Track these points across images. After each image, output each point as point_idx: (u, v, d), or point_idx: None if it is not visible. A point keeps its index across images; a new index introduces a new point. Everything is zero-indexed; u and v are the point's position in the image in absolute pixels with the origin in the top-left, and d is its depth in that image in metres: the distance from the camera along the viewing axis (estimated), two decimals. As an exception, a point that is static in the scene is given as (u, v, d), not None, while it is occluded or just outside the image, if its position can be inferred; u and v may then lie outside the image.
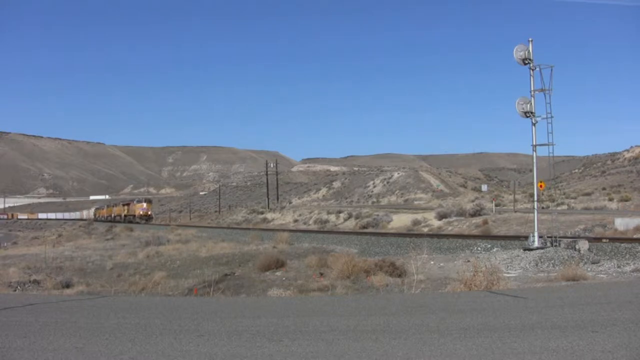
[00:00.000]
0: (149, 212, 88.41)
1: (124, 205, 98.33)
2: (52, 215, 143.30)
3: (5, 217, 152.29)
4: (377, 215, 46.99)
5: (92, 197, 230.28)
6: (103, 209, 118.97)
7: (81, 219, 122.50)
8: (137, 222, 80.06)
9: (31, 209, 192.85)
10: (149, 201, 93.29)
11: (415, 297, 10.36)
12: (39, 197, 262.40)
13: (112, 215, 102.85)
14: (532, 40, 17.87)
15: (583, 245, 16.81)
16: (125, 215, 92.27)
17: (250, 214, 76.20)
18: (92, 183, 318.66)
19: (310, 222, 57.06)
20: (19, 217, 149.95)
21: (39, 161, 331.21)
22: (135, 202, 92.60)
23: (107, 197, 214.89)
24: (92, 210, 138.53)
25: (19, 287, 16.86)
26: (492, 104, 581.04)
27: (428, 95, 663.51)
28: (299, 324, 7.10)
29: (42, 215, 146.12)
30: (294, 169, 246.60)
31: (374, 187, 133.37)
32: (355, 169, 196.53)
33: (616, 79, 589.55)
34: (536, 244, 17.46)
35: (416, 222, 40.62)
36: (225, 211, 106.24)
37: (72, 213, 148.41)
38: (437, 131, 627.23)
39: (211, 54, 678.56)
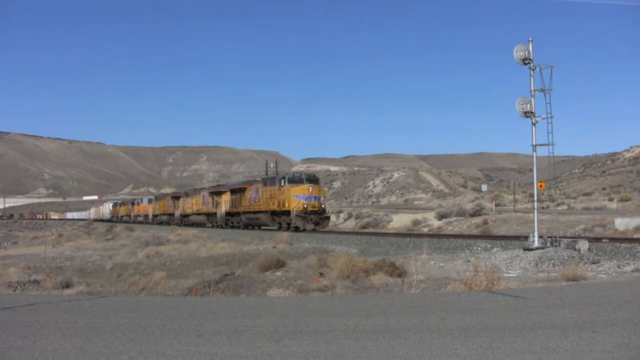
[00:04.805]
0: (323, 205, 37.74)
1: (215, 194, 50.49)
2: (75, 215, 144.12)
3: (41, 216, 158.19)
4: (377, 215, 47.09)
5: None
6: (139, 204, 79.96)
7: (108, 220, 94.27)
8: (296, 229, 35.43)
9: (31, 208, 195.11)
10: (315, 181, 38.83)
11: (415, 297, 10.35)
12: (39, 197, 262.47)
13: (180, 212, 60.69)
14: (532, 40, 17.86)
15: (583, 245, 16.80)
16: (231, 213, 46.21)
17: (250, 214, 76.10)
18: (92, 183, 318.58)
19: (310, 222, 57.00)
20: (52, 217, 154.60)
21: (39, 161, 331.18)
22: (285, 181, 37.62)
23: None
24: (106, 207, 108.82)
25: (18, 287, 16.83)
26: (492, 104, 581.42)
27: (428, 95, 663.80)
28: (299, 324, 7.09)
29: (69, 215, 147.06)
30: (294, 169, 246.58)
31: (374, 187, 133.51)
32: (355, 169, 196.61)
33: (616, 79, 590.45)
34: (536, 244, 17.46)
35: (416, 222, 40.73)
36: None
37: (82, 212, 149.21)
38: (437, 131, 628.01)
39: (211, 54, 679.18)
